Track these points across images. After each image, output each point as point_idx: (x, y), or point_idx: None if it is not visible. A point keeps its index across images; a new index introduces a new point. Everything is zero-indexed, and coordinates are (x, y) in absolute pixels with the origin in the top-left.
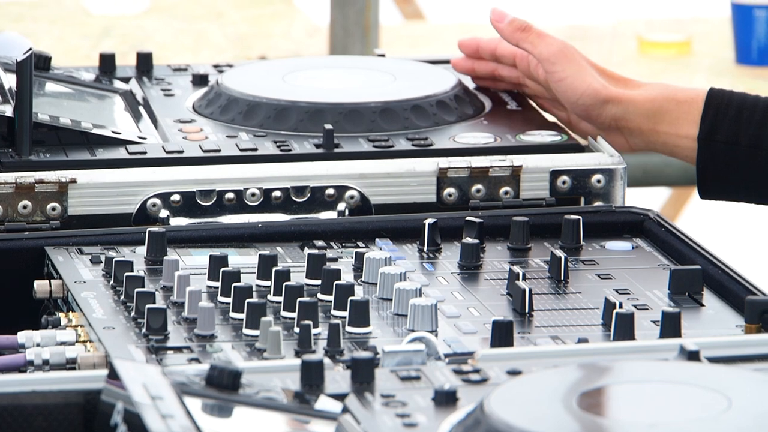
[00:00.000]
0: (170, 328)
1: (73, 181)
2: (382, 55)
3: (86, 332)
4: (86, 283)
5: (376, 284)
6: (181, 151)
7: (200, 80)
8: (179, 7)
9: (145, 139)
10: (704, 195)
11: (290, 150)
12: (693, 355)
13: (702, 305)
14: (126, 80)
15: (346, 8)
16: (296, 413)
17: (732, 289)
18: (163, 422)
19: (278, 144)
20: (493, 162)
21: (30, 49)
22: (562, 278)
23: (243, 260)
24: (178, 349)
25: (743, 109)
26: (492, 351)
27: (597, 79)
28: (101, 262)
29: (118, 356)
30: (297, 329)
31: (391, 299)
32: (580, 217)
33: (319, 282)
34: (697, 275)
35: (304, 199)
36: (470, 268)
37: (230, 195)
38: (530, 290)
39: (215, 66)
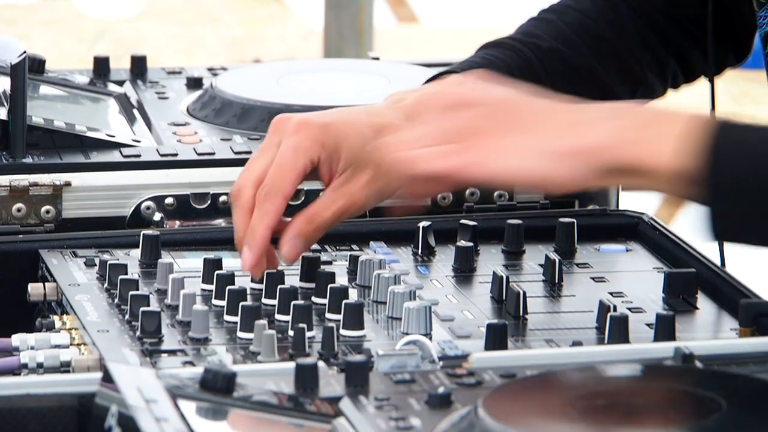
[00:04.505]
0: (164, 331)
1: (68, 184)
2: (377, 59)
3: (80, 335)
4: (80, 286)
5: (371, 287)
6: (176, 154)
7: (194, 83)
8: (174, 11)
9: (139, 142)
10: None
11: None
12: (687, 359)
13: (696, 308)
14: (120, 83)
15: (340, 11)
16: (291, 416)
17: (726, 293)
18: (158, 425)
19: None
20: None
21: (24, 52)
22: (557, 281)
23: (237, 263)
24: (172, 352)
25: None
26: (486, 354)
27: None
28: (95, 265)
29: (112, 359)
30: (291, 332)
31: (386, 302)
32: (574, 220)
33: (313, 285)
34: (692, 278)
35: (298, 202)
36: (464, 271)
37: (224, 198)
38: (524, 293)
39: (209, 69)
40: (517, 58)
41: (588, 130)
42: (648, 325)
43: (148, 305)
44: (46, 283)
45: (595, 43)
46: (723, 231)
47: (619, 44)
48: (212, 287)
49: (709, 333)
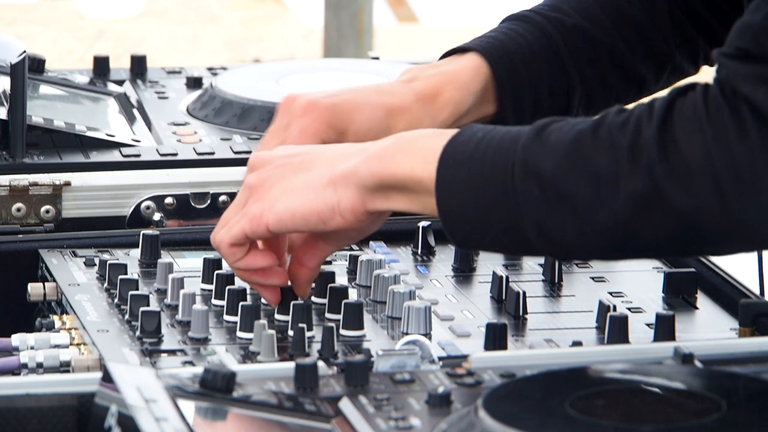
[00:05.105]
0: (164, 331)
1: (67, 184)
2: (377, 58)
3: (80, 335)
4: (80, 285)
5: (370, 287)
6: (175, 154)
7: (194, 83)
8: (173, 10)
9: (139, 141)
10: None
11: None
12: (687, 359)
13: (696, 308)
14: (120, 83)
15: (340, 11)
16: (290, 416)
17: (726, 292)
18: (157, 425)
19: None
20: None
21: (24, 51)
22: (556, 281)
23: None
24: (172, 352)
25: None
26: (486, 354)
27: None
28: (95, 264)
29: (112, 359)
30: (291, 332)
31: (385, 302)
32: None
33: (313, 285)
34: (692, 278)
35: None
36: (464, 271)
37: (224, 198)
38: (524, 293)
39: (209, 69)
40: (540, 35)
41: (352, 157)
42: (648, 324)
43: (148, 305)
44: (45, 283)
45: (623, 21)
46: (453, 234)
47: (648, 24)
48: (212, 287)
49: (709, 333)
